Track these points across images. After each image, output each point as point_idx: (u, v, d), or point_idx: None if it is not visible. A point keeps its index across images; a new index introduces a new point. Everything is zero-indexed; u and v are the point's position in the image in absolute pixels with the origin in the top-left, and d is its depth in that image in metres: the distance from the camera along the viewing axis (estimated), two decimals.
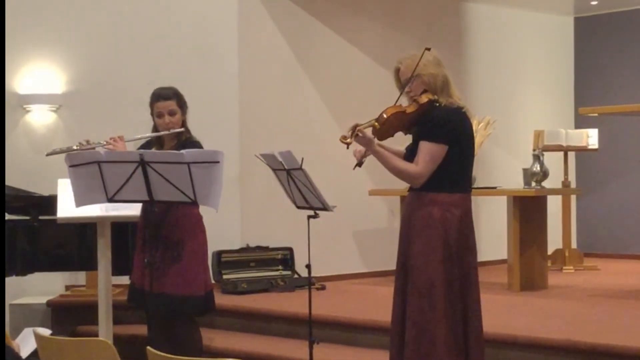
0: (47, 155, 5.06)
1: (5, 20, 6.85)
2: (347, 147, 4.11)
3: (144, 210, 4.98)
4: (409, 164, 4.15)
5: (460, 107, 4.16)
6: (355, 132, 4.04)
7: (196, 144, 4.91)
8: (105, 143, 4.89)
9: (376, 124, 4.10)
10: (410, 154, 4.19)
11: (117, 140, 4.92)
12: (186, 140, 4.94)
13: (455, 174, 4.15)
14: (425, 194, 4.14)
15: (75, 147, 4.86)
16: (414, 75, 4.13)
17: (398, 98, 4.19)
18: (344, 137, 4.06)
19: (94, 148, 4.78)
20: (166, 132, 4.95)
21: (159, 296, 4.78)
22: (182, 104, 5.01)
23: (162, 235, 4.84)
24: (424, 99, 4.14)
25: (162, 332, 4.97)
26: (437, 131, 4.08)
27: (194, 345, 5.01)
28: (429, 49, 4.15)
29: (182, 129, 4.96)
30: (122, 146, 4.90)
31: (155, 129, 5.02)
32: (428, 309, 4.06)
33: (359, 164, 4.16)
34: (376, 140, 4.14)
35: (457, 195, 4.14)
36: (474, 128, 4.84)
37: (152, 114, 5.03)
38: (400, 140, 4.39)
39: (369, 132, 4.09)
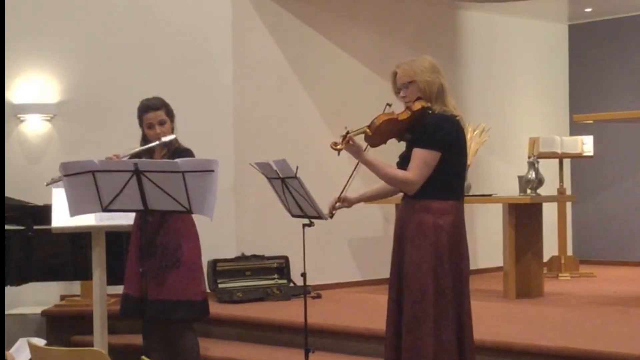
0: (47, 185, 5.08)
1: (5, 30, 6.85)
2: (339, 154, 4.10)
3: (137, 218, 4.96)
4: (401, 171, 4.13)
5: (454, 115, 4.13)
6: (347, 139, 4.03)
7: (188, 152, 4.91)
8: None
9: (368, 130, 4.09)
10: (403, 161, 4.17)
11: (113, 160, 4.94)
12: (177, 150, 4.93)
13: (447, 181, 4.12)
14: (418, 201, 4.12)
15: None
16: (409, 81, 4.13)
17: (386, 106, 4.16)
18: (335, 144, 4.05)
19: None
20: (158, 143, 4.92)
21: (159, 303, 4.77)
22: (170, 113, 5.02)
23: (159, 243, 4.82)
24: (417, 106, 4.12)
25: (160, 340, 4.95)
26: (430, 138, 4.05)
27: (191, 354, 4.99)
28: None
29: (174, 136, 4.95)
30: None
31: (145, 139, 5.02)
32: (422, 316, 4.04)
33: (331, 215, 4.41)
34: (369, 148, 4.12)
35: (449, 202, 4.11)
36: (468, 136, 4.85)
37: (141, 125, 5.03)
38: (395, 148, 4.39)
39: (360, 139, 4.08)
